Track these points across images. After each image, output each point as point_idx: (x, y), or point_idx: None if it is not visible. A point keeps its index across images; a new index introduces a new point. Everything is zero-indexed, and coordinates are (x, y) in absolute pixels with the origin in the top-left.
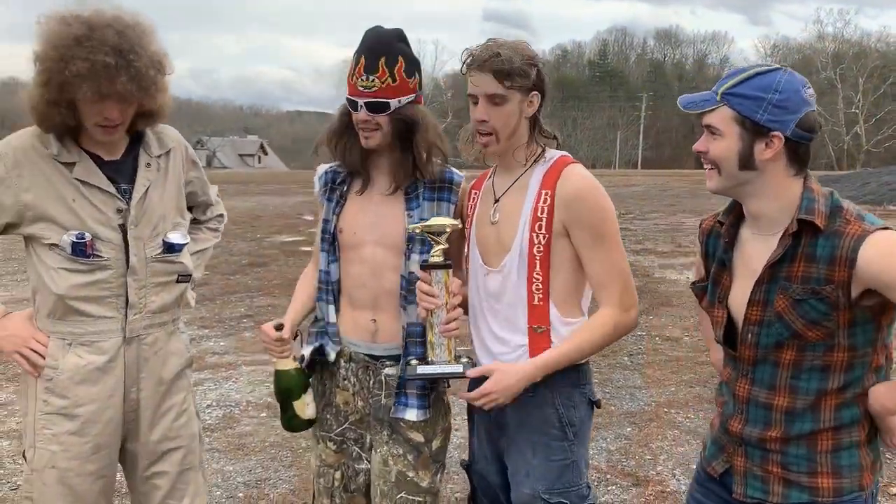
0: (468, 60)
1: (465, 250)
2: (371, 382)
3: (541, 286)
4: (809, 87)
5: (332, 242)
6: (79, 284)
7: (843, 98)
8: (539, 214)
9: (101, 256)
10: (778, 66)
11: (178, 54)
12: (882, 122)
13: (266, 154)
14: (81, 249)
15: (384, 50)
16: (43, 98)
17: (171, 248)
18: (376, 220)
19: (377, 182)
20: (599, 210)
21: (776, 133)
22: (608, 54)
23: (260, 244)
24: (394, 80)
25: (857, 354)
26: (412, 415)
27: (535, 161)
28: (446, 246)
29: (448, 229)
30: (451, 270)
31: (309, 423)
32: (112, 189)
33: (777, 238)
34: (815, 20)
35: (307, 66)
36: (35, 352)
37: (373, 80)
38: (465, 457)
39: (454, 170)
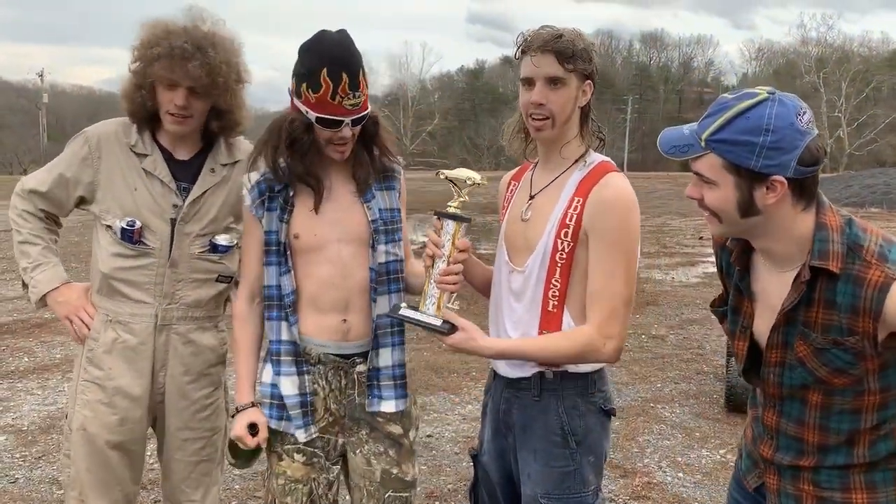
0: (527, 42)
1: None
2: (343, 382)
3: (557, 293)
4: (805, 112)
5: (282, 253)
6: (122, 267)
7: (826, 102)
8: (567, 221)
9: (146, 245)
10: (764, 93)
11: None
12: (864, 126)
13: None
14: (129, 235)
15: (357, 62)
16: (131, 81)
17: (215, 249)
18: (336, 216)
19: (335, 189)
20: (623, 228)
21: (777, 178)
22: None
23: None
24: (367, 91)
25: (890, 395)
26: (389, 406)
27: (575, 162)
28: (466, 199)
29: (470, 182)
30: (463, 225)
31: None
32: (172, 184)
33: (792, 275)
34: (799, 25)
35: (290, 67)
36: (82, 322)
37: (358, 97)
38: (475, 446)
39: (399, 161)
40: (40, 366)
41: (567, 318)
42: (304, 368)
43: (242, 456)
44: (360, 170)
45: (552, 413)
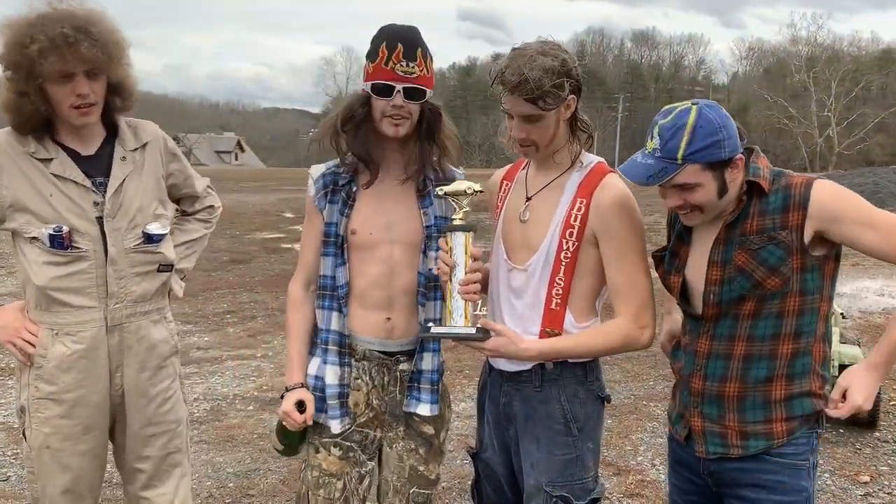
0: (497, 80)
1: (493, 243)
2: (386, 379)
3: (561, 291)
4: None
5: (339, 245)
6: (59, 276)
7: (816, 101)
8: (572, 221)
9: (79, 248)
10: (689, 104)
11: (150, 50)
12: (854, 125)
13: (243, 151)
14: (59, 241)
15: (419, 41)
16: (12, 91)
17: (150, 239)
18: (392, 218)
19: (388, 174)
20: (633, 225)
21: (738, 156)
22: (585, 55)
23: (240, 241)
24: (428, 72)
25: (806, 300)
26: (425, 409)
27: (571, 164)
28: (468, 209)
29: (470, 192)
30: (472, 234)
31: (302, 438)
32: (87, 183)
33: (721, 219)
34: (790, 24)
35: (282, 63)
36: (27, 342)
37: (413, 67)
38: (472, 444)
39: (456, 170)
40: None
41: (569, 316)
42: (347, 360)
43: (290, 441)
44: (413, 163)
45: (553, 402)
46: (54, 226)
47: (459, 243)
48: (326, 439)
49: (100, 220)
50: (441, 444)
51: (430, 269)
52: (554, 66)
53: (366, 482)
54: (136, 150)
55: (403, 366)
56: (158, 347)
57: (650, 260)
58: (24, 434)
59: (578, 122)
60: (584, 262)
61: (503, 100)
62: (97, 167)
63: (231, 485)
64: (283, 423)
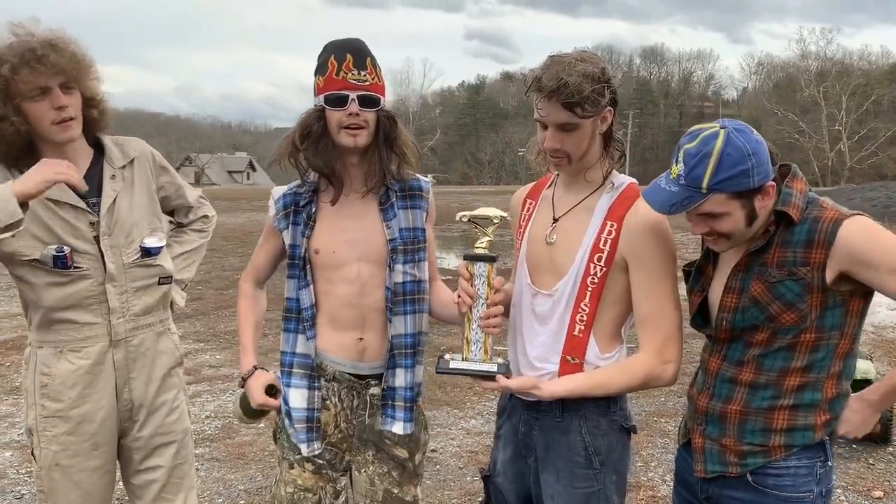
0: (535, 83)
1: (514, 264)
2: (355, 402)
3: (585, 318)
4: (750, 128)
5: (302, 267)
6: (61, 296)
7: (826, 115)
8: (601, 245)
9: (80, 267)
10: (717, 127)
11: (162, 72)
12: (865, 140)
13: (255, 171)
14: (63, 262)
15: (366, 51)
16: None
17: (147, 253)
18: (355, 235)
19: (349, 188)
20: (666, 252)
21: (769, 184)
22: None
23: None
24: (379, 80)
25: (823, 336)
26: (399, 428)
27: (602, 184)
28: (492, 238)
29: (496, 221)
30: (494, 264)
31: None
32: (82, 204)
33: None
34: (799, 39)
35: (291, 83)
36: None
37: (364, 75)
38: (485, 466)
39: (420, 177)
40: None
41: (592, 343)
42: (317, 384)
43: (258, 415)
44: (373, 173)
45: (574, 433)
46: (56, 246)
47: (482, 274)
48: (300, 456)
49: (96, 238)
50: (416, 467)
51: (395, 283)
52: (594, 73)
53: (341, 498)
54: (124, 166)
55: (374, 390)
56: (163, 358)
57: (679, 273)
58: (33, 454)
59: (613, 138)
60: (611, 288)
61: (538, 106)
62: (89, 187)
63: (242, 502)
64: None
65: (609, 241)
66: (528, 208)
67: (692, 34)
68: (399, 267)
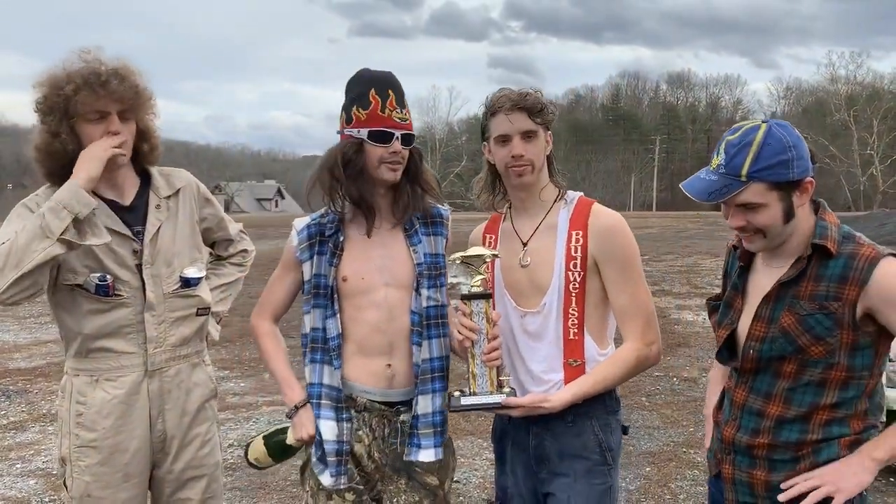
0: (498, 102)
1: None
2: (386, 431)
3: (576, 321)
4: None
5: (329, 296)
6: (101, 323)
7: (857, 140)
8: (573, 253)
9: (121, 295)
10: (759, 121)
11: (194, 102)
12: None
13: (283, 198)
14: (104, 290)
15: (400, 85)
16: (46, 132)
17: (187, 283)
18: (384, 262)
19: (383, 233)
20: (629, 246)
21: (808, 179)
22: (621, 98)
23: None
24: (410, 116)
25: (854, 375)
26: (428, 455)
27: (555, 202)
28: (485, 275)
29: (488, 259)
30: (490, 300)
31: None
32: (127, 232)
33: (782, 269)
34: (828, 63)
35: (319, 112)
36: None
37: (405, 114)
38: (493, 496)
39: (441, 207)
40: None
41: (588, 341)
42: (345, 416)
43: (285, 457)
44: (402, 205)
45: (588, 433)
46: (100, 275)
47: (480, 311)
48: (340, 489)
49: (139, 266)
50: (446, 495)
51: (423, 308)
52: (541, 94)
53: None
54: (169, 196)
55: (404, 416)
56: (198, 391)
57: (704, 304)
58: (64, 484)
59: (554, 164)
60: (592, 291)
61: (505, 119)
62: (135, 216)
63: None
64: (291, 442)
65: (579, 248)
66: (490, 243)
67: (716, 59)
68: (424, 291)
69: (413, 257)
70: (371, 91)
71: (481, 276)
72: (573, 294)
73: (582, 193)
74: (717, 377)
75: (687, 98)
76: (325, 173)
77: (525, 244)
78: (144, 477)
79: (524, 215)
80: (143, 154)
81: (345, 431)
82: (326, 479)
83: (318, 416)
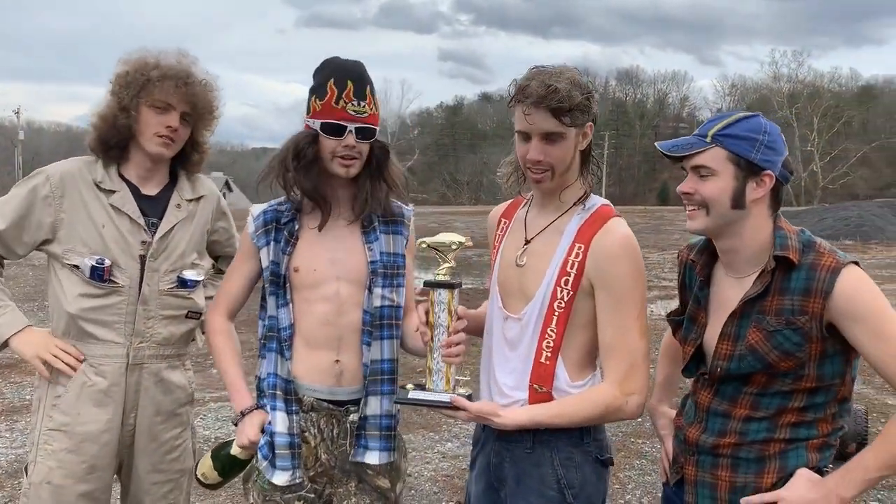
0: (520, 92)
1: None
2: (335, 432)
3: (552, 344)
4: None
5: (282, 285)
6: (91, 307)
7: (799, 136)
8: (568, 269)
9: (116, 282)
10: (753, 112)
11: None
12: (837, 160)
13: (231, 191)
14: (99, 274)
15: (367, 78)
16: (112, 105)
17: (183, 284)
18: (336, 255)
19: (336, 212)
20: (631, 277)
21: (768, 172)
22: None
23: None
24: (376, 109)
25: (823, 385)
26: (373, 458)
27: (574, 205)
28: (453, 264)
29: (455, 247)
30: (456, 291)
31: (243, 465)
32: (141, 220)
33: (751, 280)
34: (771, 61)
35: (268, 103)
36: (59, 356)
37: (364, 106)
38: (461, 500)
39: (405, 206)
40: (9, 408)
41: (561, 371)
42: (294, 408)
43: (234, 470)
44: (361, 201)
45: (546, 465)
46: (98, 257)
47: (442, 301)
48: (290, 495)
49: (142, 258)
50: (398, 498)
51: (374, 307)
52: (582, 82)
53: None
54: (191, 200)
55: (354, 416)
56: (175, 393)
57: (666, 321)
58: (25, 469)
59: (592, 157)
60: (579, 313)
61: (523, 117)
62: (153, 208)
63: None
64: (236, 452)
65: (576, 265)
66: (503, 227)
67: (662, 56)
68: (378, 290)
69: (367, 255)
70: (330, 81)
71: (448, 265)
72: (556, 313)
73: (606, 202)
74: (659, 406)
75: (635, 94)
76: (277, 164)
77: (527, 241)
78: (109, 473)
79: (540, 210)
80: (191, 161)
81: (295, 425)
82: (279, 478)
83: (273, 408)
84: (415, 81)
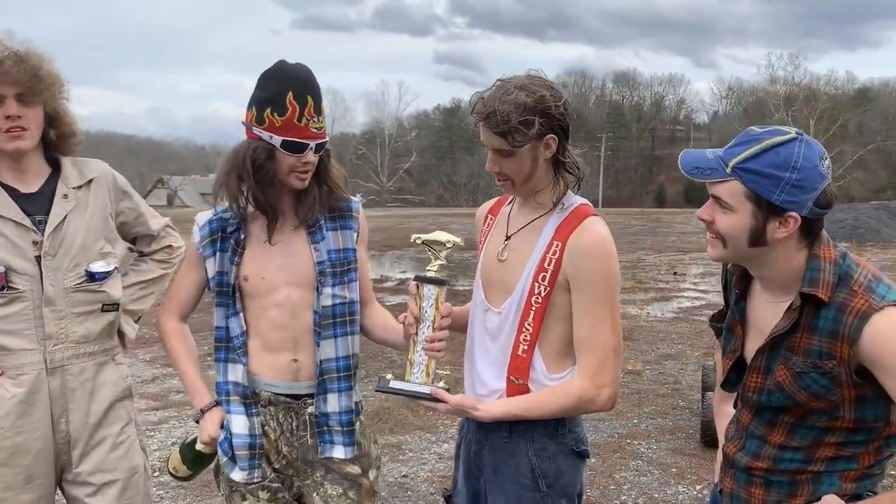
0: (473, 109)
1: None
2: (294, 424)
3: (529, 337)
4: (826, 158)
5: (231, 295)
6: None
7: None
8: (546, 265)
9: (15, 288)
10: (793, 133)
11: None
12: (833, 163)
13: None
14: None
15: (319, 88)
16: None
17: (92, 278)
18: (285, 261)
19: (285, 231)
20: (604, 274)
21: (792, 214)
22: (568, 96)
23: None
24: (324, 122)
25: (864, 427)
26: (339, 452)
27: (554, 205)
28: (444, 262)
29: (449, 245)
30: (443, 287)
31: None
32: (26, 222)
33: (783, 307)
34: (767, 64)
35: None
36: None
37: (321, 122)
38: (448, 486)
39: (352, 198)
40: None
41: (539, 362)
42: (254, 410)
43: (201, 464)
44: (307, 206)
45: (522, 455)
46: None
47: (430, 296)
48: (253, 486)
49: (38, 258)
50: (373, 483)
51: (323, 306)
52: (526, 103)
53: None
54: (80, 187)
55: (311, 409)
56: (106, 390)
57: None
58: None
59: (565, 164)
60: (557, 308)
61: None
62: (37, 205)
63: None
64: (200, 447)
65: (553, 261)
66: (489, 223)
67: (657, 58)
68: (328, 290)
69: (314, 256)
70: (289, 95)
71: (439, 262)
72: (533, 307)
73: (585, 202)
74: (721, 405)
75: (632, 97)
76: (231, 176)
77: (508, 238)
78: (49, 479)
79: (521, 208)
80: (51, 142)
81: (256, 425)
82: (237, 475)
83: (228, 412)
84: (413, 84)
